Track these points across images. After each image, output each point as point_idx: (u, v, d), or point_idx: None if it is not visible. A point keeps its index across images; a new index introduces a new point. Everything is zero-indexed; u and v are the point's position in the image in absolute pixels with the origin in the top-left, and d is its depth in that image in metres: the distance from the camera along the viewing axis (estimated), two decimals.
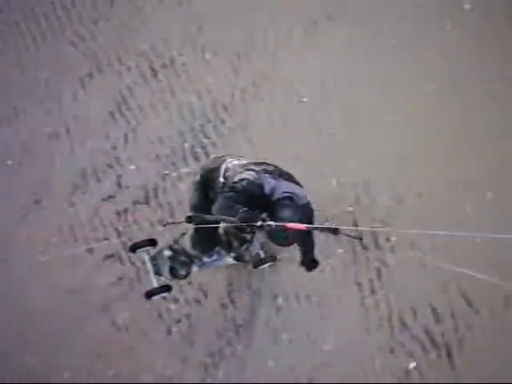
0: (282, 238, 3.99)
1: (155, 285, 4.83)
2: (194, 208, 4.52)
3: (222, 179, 4.37)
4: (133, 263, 5.74)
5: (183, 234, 4.90)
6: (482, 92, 5.21)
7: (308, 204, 4.29)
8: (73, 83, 6.38)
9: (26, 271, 5.90)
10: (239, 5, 6.07)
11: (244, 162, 4.40)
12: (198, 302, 5.55)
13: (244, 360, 5.28)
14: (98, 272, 5.78)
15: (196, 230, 4.54)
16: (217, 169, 4.44)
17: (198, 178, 4.58)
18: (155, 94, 6.11)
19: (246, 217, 3.93)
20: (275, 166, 4.34)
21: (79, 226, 5.96)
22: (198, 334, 5.46)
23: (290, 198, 4.13)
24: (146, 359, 5.53)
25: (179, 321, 5.55)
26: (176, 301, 5.54)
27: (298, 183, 4.31)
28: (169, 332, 5.53)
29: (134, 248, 4.89)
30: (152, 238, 4.94)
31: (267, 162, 4.39)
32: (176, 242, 4.93)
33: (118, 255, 5.80)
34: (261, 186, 4.13)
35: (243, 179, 4.13)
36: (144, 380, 5.45)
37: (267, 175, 4.18)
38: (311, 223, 4.24)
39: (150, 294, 4.84)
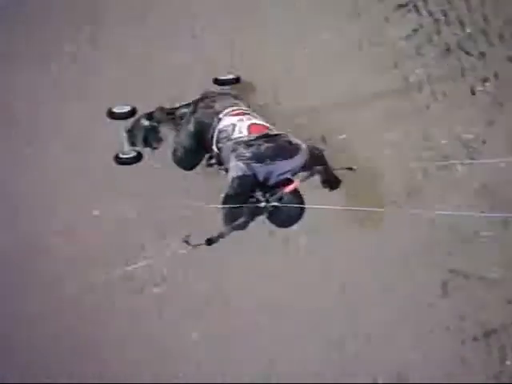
0: (295, 212, 3.98)
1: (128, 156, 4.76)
2: (185, 150, 4.51)
3: (215, 148, 4.27)
4: (431, 13, 5.07)
5: (162, 109, 4.77)
6: None
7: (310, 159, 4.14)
8: None
9: None
10: None
11: (240, 124, 4.21)
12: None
13: None
14: (388, 24, 5.16)
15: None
16: (209, 126, 4.32)
17: (191, 128, 4.45)
18: None
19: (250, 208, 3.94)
20: (269, 140, 4.10)
21: None
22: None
23: (288, 179, 4.02)
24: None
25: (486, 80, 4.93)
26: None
27: (293, 149, 4.09)
28: (472, 92, 4.94)
29: (116, 117, 4.79)
30: (133, 107, 4.76)
31: (263, 132, 4.16)
32: (158, 120, 4.78)
33: (413, 4, 5.09)
34: (254, 176, 4.01)
35: (234, 179, 4.00)
36: None
37: (258, 164, 4.00)
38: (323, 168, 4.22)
39: (121, 163, 4.79)
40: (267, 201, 3.97)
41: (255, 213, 4.00)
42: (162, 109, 4.80)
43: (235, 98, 4.67)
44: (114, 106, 4.79)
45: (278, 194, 3.97)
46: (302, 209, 4.04)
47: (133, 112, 4.77)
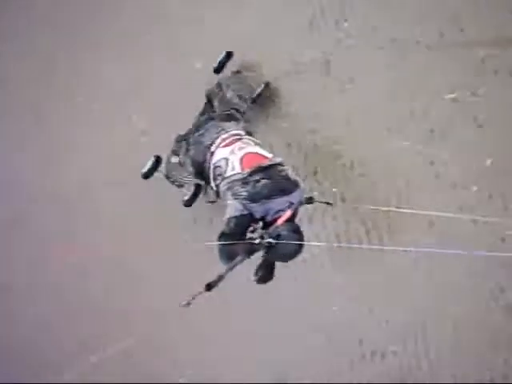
0: (293, 247, 3.83)
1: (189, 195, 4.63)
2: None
3: (213, 185, 4.21)
4: None
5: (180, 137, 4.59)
6: None
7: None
8: None
9: None
10: None
11: (232, 158, 4.11)
12: None
13: None
14: None
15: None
16: (204, 162, 4.26)
17: (191, 169, 4.43)
18: None
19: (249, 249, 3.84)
20: (265, 176, 3.98)
21: None
22: None
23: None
24: None
25: None
26: None
27: (290, 184, 3.99)
28: None
29: (146, 176, 4.75)
30: (156, 155, 4.72)
31: (257, 165, 4.02)
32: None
33: None
34: (250, 215, 3.94)
35: (231, 219, 3.93)
36: None
37: (254, 204, 3.92)
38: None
39: (187, 205, 4.68)
40: (262, 237, 3.84)
41: (251, 250, 3.88)
42: (179, 137, 4.62)
43: (222, 120, 4.49)
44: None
45: (273, 230, 3.85)
46: (301, 244, 3.90)
47: (157, 162, 4.74)
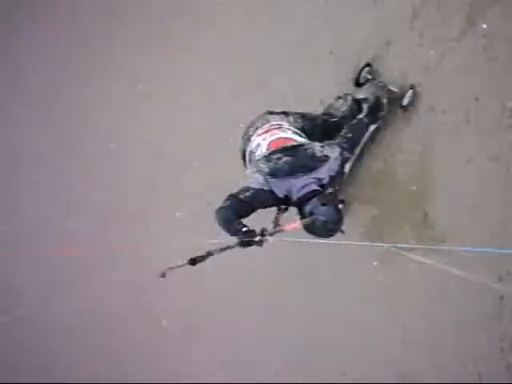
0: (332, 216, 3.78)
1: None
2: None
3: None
4: None
5: None
6: None
7: (336, 164, 3.99)
8: None
9: None
10: None
11: (262, 142, 4.13)
12: None
13: None
14: None
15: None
16: (244, 152, 4.30)
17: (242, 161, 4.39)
18: None
19: (245, 238, 3.75)
20: (289, 154, 3.98)
21: None
22: None
23: (313, 191, 3.88)
24: None
25: None
26: None
27: (316, 161, 3.96)
28: None
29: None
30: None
31: (282, 147, 4.05)
32: None
33: None
34: (271, 192, 3.94)
35: (249, 188, 3.94)
36: None
37: (274, 180, 3.92)
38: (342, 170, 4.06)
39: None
40: (262, 234, 3.78)
41: (248, 243, 3.80)
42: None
43: (270, 113, 4.43)
44: None
45: (276, 230, 3.81)
46: (339, 216, 3.85)
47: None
